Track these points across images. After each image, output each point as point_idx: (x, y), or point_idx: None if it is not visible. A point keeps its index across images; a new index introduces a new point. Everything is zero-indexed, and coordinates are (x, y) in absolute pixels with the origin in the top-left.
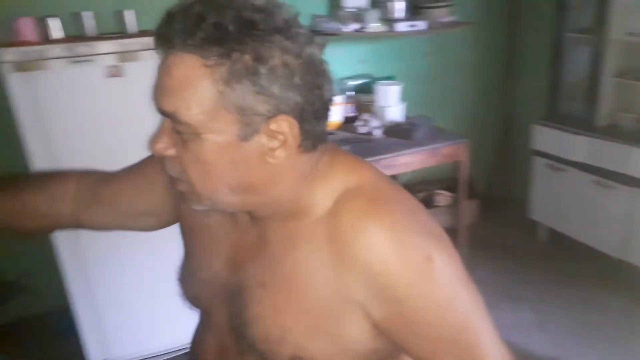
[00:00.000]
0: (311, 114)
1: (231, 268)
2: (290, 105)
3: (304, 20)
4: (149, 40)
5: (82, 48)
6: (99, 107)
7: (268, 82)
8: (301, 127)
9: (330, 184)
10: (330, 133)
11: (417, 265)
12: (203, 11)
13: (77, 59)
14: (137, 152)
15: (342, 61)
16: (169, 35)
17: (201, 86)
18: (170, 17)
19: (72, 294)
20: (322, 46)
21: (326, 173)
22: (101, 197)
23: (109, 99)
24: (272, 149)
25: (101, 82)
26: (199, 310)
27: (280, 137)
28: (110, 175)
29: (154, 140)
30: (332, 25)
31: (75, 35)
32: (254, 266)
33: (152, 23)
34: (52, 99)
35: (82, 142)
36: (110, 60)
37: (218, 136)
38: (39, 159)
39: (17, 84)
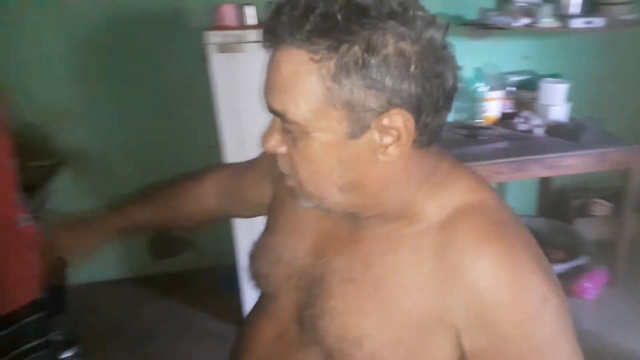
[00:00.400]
0: (429, 106)
1: (315, 255)
2: (404, 97)
3: (472, 14)
4: None
5: None
6: None
7: (380, 74)
8: (417, 121)
9: (448, 195)
10: (487, 128)
11: (532, 304)
12: (311, 1)
13: None
14: None
15: (505, 56)
16: (277, 29)
17: (309, 82)
18: (278, 10)
19: (238, 253)
20: (445, 28)
21: (445, 183)
22: (233, 191)
23: None
24: (385, 146)
25: None
26: (263, 291)
27: (394, 132)
28: (237, 170)
29: (265, 138)
30: (501, 19)
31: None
32: (343, 260)
33: None
34: (245, 79)
35: (268, 117)
36: None
37: (327, 134)
38: (229, 134)
39: (219, 64)
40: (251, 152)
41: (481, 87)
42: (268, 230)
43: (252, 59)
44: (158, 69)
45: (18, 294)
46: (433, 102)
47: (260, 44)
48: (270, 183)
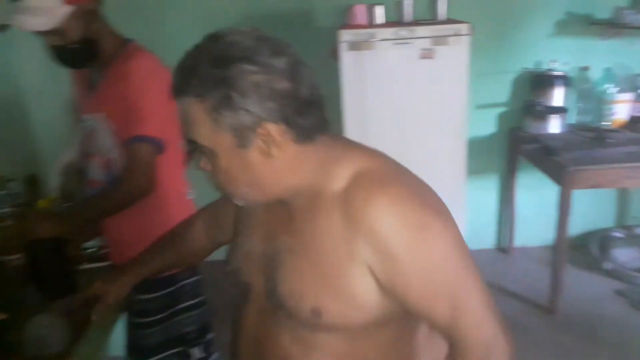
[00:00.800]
0: (293, 112)
1: (266, 240)
2: (269, 112)
3: (603, 13)
4: (458, 27)
5: (403, 32)
6: (411, 85)
7: (243, 102)
8: (288, 126)
9: (344, 167)
10: (615, 131)
11: (414, 231)
12: (187, 62)
13: (397, 42)
14: (435, 127)
15: (637, 56)
16: (174, 87)
17: (200, 118)
18: (174, 73)
19: None
20: (294, 54)
21: (340, 160)
22: (218, 222)
23: (420, 78)
24: (268, 149)
25: (415, 63)
26: (241, 283)
27: (270, 139)
28: (217, 203)
29: (199, 160)
30: (637, 18)
31: (393, 21)
32: (285, 236)
33: (460, 12)
34: (373, 76)
35: (390, 114)
36: (425, 44)
37: (225, 150)
38: (352, 127)
39: (349, 61)
40: (369, 140)
41: (610, 89)
42: (235, 234)
43: (380, 56)
44: None
45: None
46: (294, 109)
47: (390, 42)
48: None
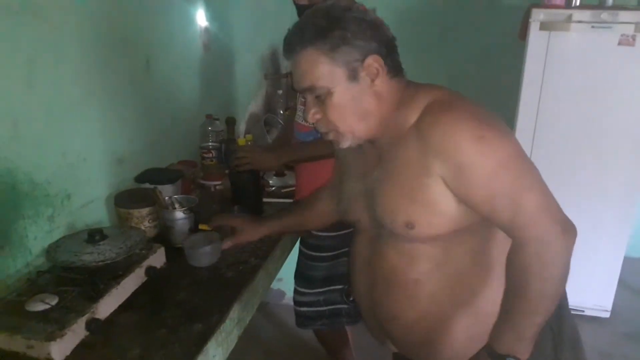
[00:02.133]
0: (385, 50)
1: (363, 179)
2: (372, 48)
3: None
4: None
5: (604, 15)
6: (603, 72)
7: (353, 39)
8: (384, 59)
9: (415, 104)
10: None
11: (472, 143)
12: (299, 28)
13: (596, 25)
14: (621, 123)
15: None
16: (292, 44)
17: (320, 61)
18: (289, 34)
19: None
20: (373, 11)
21: (412, 97)
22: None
23: (615, 66)
24: (373, 79)
25: (612, 49)
26: (351, 220)
27: (374, 69)
28: (334, 179)
29: (308, 114)
30: None
31: (592, 4)
32: (377, 171)
33: None
34: (561, 59)
35: (571, 102)
36: (626, 30)
37: (340, 85)
38: (527, 109)
39: (537, 42)
40: (542, 128)
41: None
42: (339, 182)
43: (573, 39)
44: (468, 41)
45: None
46: (386, 47)
47: (588, 24)
48: (338, 158)
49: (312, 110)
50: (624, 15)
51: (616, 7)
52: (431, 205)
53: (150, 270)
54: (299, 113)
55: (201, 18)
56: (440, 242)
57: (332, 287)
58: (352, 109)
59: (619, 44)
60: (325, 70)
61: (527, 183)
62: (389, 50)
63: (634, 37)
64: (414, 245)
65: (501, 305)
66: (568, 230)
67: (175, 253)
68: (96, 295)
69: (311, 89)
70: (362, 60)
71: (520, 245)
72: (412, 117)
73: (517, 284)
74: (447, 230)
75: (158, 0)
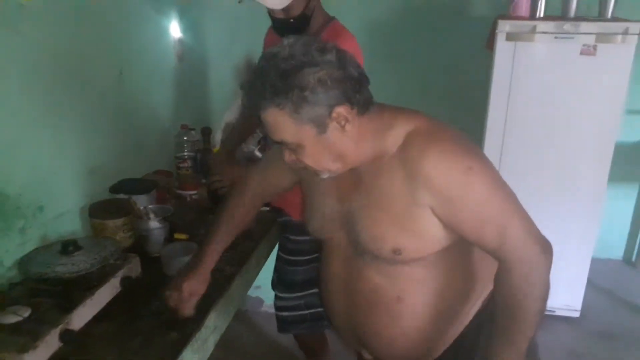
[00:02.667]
0: (352, 92)
1: (340, 202)
2: (336, 98)
3: None
4: (627, 26)
5: (567, 26)
6: (566, 80)
7: (315, 96)
8: (351, 104)
9: (395, 131)
10: None
11: (461, 174)
12: (258, 86)
13: (559, 35)
14: (583, 128)
15: None
16: (252, 104)
17: (284, 120)
18: (246, 93)
19: None
20: (333, 46)
21: (391, 124)
22: (265, 186)
23: (577, 75)
24: (343, 127)
25: (575, 59)
26: (323, 239)
27: (342, 118)
28: (262, 172)
29: (285, 156)
30: None
31: (555, 15)
32: (357, 196)
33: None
34: (527, 68)
35: (537, 108)
36: (587, 40)
37: (309, 140)
38: (495, 116)
39: (504, 51)
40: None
41: None
42: (308, 201)
43: (537, 49)
44: (438, 52)
45: None
46: (352, 89)
47: (551, 35)
48: (294, 172)
49: (286, 154)
50: (585, 27)
51: (578, 19)
52: (419, 233)
53: (125, 280)
54: None
55: (175, 29)
56: (421, 262)
57: (312, 291)
58: (325, 155)
59: (581, 53)
60: (292, 129)
61: (511, 209)
62: (355, 90)
63: (595, 47)
64: (396, 266)
65: (495, 324)
66: (547, 249)
67: (151, 263)
68: (70, 306)
69: (282, 142)
70: (329, 113)
71: (509, 269)
72: (393, 145)
73: (509, 304)
74: (432, 252)
75: (131, 12)
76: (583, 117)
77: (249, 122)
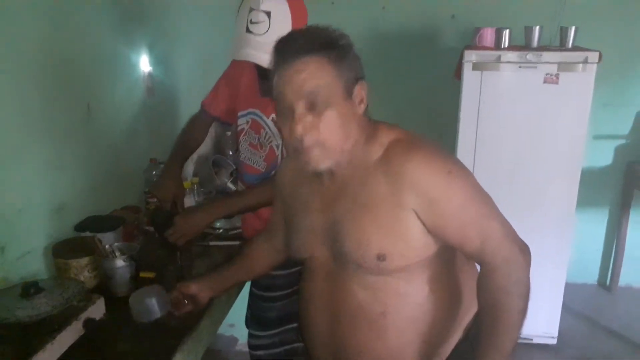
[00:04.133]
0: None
1: (323, 213)
2: (361, 71)
3: None
4: (587, 55)
5: (530, 56)
6: (531, 108)
7: (352, 58)
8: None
9: (378, 140)
10: None
11: (444, 176)
12: (306, 33)
13: (523, 65)
14: (550, 154)
15: None
16: (294, 48)
17: (325, 69)
18: (290, 39)
19: None
20: None
21: (374, 134)
22: (276, 234)
23: (541, 102)
24: (359, 104)
25: (538, 87)
26: (304, 258)
27: (361, 95)
28: (271, 220)
29: (295, 127)
30: None
31: (520, 45)
32: (340, 204)
33: (589, 41)
34: (493, 96)
35: (505, 135)
36: (550, 69)
37: (338, 98)
38: (465, 143)
39: (471, 80)
40: (479, 159)
41: None
42: (289, 221)
43: (503, 78)
44: (410, 81)
45: None
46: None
47: (516, 64)
48: (279, 198)
49: (305, 120)
50: (547, 56)
51: (540, 49)
52: (404, 237)
53: (88, 323)
54: (246, 154)
55: (145, 63)
56: (404, 274)
57: (287, 327)
58: (342, 127)
59: (545, 82)
60: (329, 80)
61: (490, 212)
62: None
63: (557, 76)
64: (379, 278)
65: (480, 329)
66: (525, 249)
67: (116, 303)
68: (29, 352)
69: (312, 95)
70: (356, 82)
71: (492, 270)
72: (376, 153)
73: (494, 305)
74: (415, 261)
75: (99, 46)
76: (549, 143)
77: (192, 137)
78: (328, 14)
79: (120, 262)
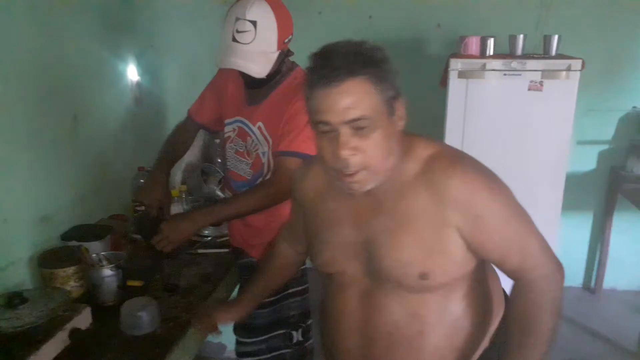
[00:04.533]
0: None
1: (358, 228)
2: (398, 89)
3: None
4: (570, 62)
5: (514, 64)
6: (516, 115)
7: (392, 77)
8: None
9: (415, 154)
10: None
11: (486, 192)
12: (350, 53)
13: (508, 72)
14: (535, 160)
15: None
16: (340, 70)
17: (370, 92)
18: (331, 59)
19: None
20: None
21: (410, 147)
22: (299, 237)
23: (526, 109)
24: (399, 120)
25: (523, 94)
26: (332, 273)
27: (401, 112)
28: (291, 224)
29: (341, 149)
30: None
31: (504, 53)
32: (377, 221)
33: (572, 49)
34: (478, 104)
35: (491, 142)
36: (534, 77)
37: (383, 119)
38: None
39: (457, 88)
40: None
41: None
42: (312, 233)
43: (488, 86)
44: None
45: None
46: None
47: (501, 72)
48: (299, 208)
49: (351, 145)
50: (531, 64)
51: (525, 57)
52: (446, 254)
53: (74, 333)
54: (232, 161)
55: (133, 73)
56: (443, 290)
57: (275, 333)
58: (386, 147)
59: (529, 89)
60: (374, 102)
61: (530, 228)
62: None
63: (541, 83)
64: (419, 296)
65: (510, 343)
66: (560, 267)
67: (103, 312)
68: None
69: (360, 120)
70: (395, 99)
71: (528, 286)
72: (414, 167)
73: (526, 320)
74: (455, 277)
75: (86, 56)
76: (534, 149)
77: (178, 144)
78: (315, 24)
79: (107, 271)
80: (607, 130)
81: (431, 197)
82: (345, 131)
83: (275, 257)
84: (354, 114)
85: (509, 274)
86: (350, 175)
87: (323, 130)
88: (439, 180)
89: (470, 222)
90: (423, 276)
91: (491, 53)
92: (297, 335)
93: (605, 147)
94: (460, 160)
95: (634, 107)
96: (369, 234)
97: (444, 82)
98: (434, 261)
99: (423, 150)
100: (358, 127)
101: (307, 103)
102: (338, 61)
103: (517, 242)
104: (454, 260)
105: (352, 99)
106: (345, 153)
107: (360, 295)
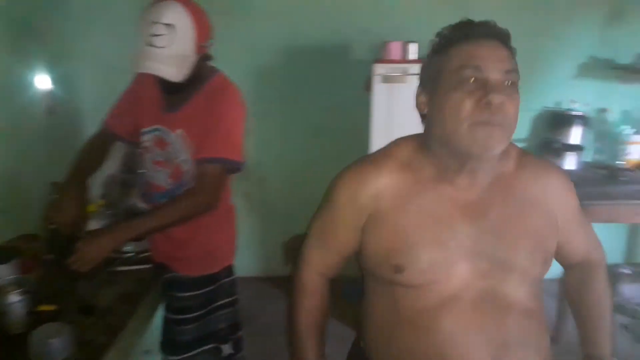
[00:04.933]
0: None
1: (469, 223)
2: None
3: (625, 58)
4: None
5: None
6: None
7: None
8: None
9: (507, 152)
10: (629, 170)
11: (569, 185)
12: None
13: None
14: None
15: None
16: (502, 31)
17: (515, 60)
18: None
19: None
20: None
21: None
22: (337, 259)
23: None
24: None
25: None
26: (433, 279)
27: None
28: (324, 255)
29: (492, 97)
30: None
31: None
32: (493, 211)
33: None
34: (402, 107)
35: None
36: None
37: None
38: None
39: (381, 93)
40: None
41: (627, 130)
42: (402, 237)
43: (410, 90)
44: (322, 94)
45: (220, 260)
46: None
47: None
48: (358, 216)
49: (506, 91)
50: None
51: None
52: (554, 241)
53: None
54: (150, 172)
55: (44, 81)
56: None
57: (203, 348)
58: (518, 116)
59: None
60: (517, 69)
61: (585, 216)
62: None
63: None
64: (539, 285)
65: (587, 324)
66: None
67: (11, 341)
68: None
69: (513, 72)
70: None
71: (593, 272)
72: (507, 164)
73: (599, 302)
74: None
75: None
76: None
77: (91, 157)
78: (239, 30)
79: (13, 298)
80: (521, 129)
81: (536, 189)
82: (500, 77)
83: (313, 298)
84: (510, 65)
85: (576, 257)
86: (492, 126)
87: (469, 77)
88: (541, 176)
89: (563, 210)
90: (547, 261)
91: (415, 57)
92: (227, 349)
93: (521, 145)
94: (543, 159)
95: (545, 107)
96: (485, 227)
97: (368, 86)
98: (552, 245)
99: (511, 148)
100: (510, 80)
101: (446, 52)
102: (490, 27)
103: (583, 229)
104: (551, 249)
105: (507, 53)
106: (500, 98)
107: (473, 305)
